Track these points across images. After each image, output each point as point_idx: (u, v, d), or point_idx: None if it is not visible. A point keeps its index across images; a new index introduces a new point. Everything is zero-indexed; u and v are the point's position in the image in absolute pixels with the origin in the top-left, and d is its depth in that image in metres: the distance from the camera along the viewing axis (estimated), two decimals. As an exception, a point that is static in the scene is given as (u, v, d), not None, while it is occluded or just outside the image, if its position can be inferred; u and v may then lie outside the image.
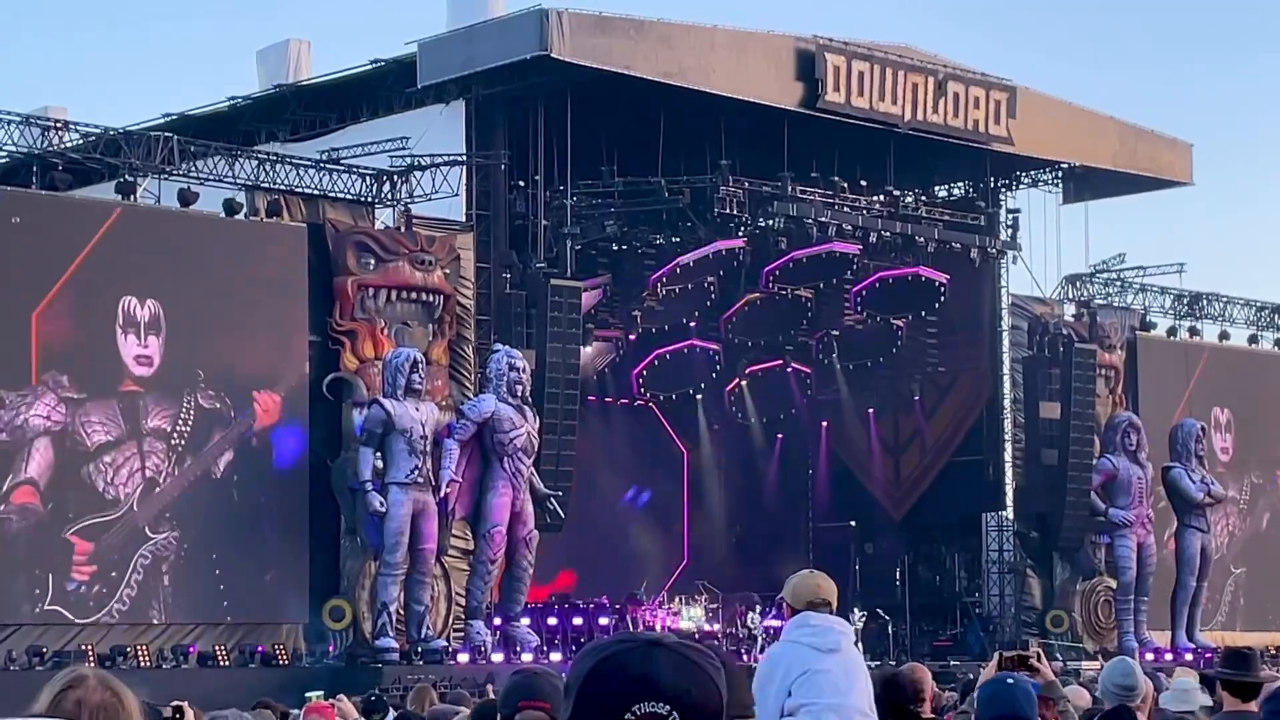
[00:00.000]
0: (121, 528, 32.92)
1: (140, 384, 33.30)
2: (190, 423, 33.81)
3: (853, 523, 47.46)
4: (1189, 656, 40.39)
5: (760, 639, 38.24)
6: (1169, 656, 40.47)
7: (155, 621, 33.02)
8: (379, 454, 34.28)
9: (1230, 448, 48.81)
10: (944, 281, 44.49)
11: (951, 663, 37.67)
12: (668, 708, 2.61)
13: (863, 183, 43.39)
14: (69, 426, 32.42)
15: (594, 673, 2.66)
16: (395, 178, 36.87)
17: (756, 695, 8.34)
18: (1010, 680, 7.21)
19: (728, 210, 41.07)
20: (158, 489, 33.39)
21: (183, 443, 33.72)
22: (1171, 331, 48.64)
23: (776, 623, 39.59)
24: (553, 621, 38.58)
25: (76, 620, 32.15)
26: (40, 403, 32.17)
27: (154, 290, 33.46)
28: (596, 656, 2.69)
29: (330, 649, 34.50)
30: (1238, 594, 48.09)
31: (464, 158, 37.50)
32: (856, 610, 41.90)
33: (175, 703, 8.86)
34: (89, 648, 31.47)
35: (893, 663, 31.60)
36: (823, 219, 41.77)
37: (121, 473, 33.06)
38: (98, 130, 34.86)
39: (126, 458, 33.11)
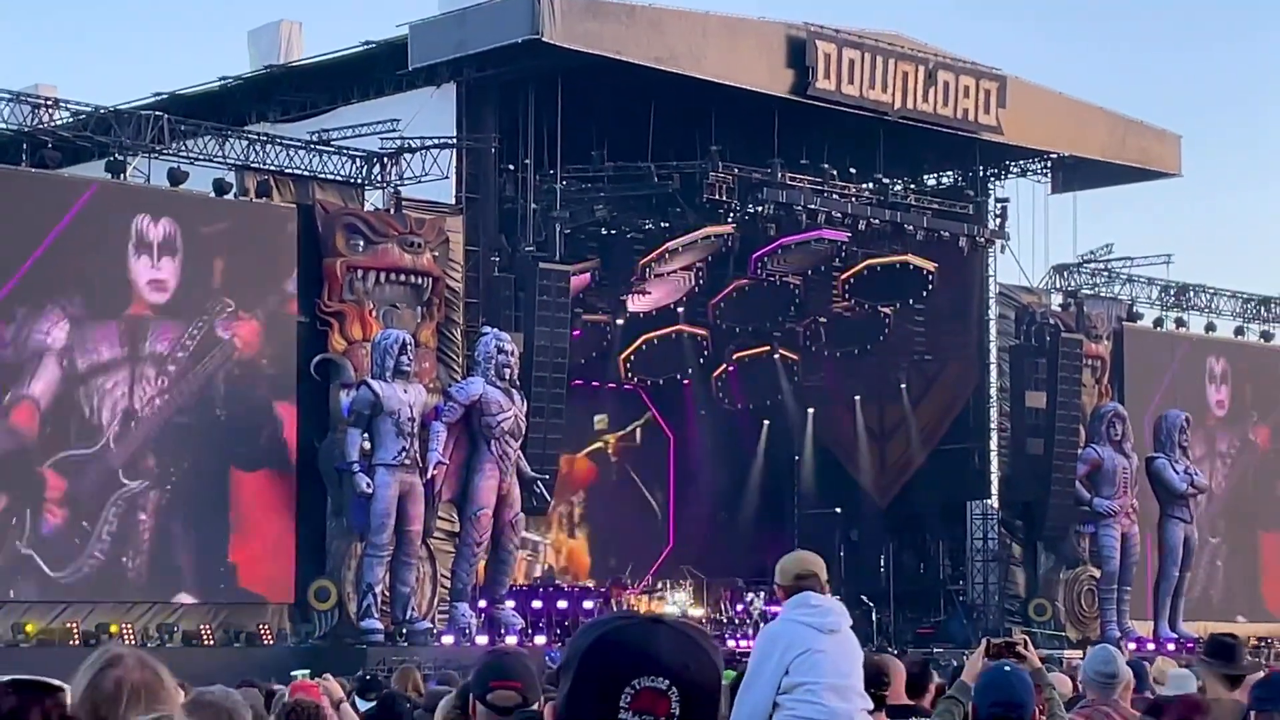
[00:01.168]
0: (97, 467, 32.78)
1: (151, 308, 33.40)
2: (192, 348, 33.79)
3: (838, 509, 47.52)
4: (1171, 646, 40.53)
5: (760, 623, 38.29)
6: (1151, 646, 40.58)
7: (142, 600, 33.00)
8: (366, 435, 34.30)
9: (1226, 400, 48.96)
10: (932, 270, 44.54)
11: (935, 650, 37.74)
12: (666, 682, 2.63)
13: (852, 170, 43.43)
14: (72, 346, 32.44)
15: (594, 647, 2.68)
16: (385, 160, 36.86)
17: (752, 670, 8.41)
18: (1009, 668, 7.27)
19: (717, 196, 41.08)
20: (134, 422, 33.25)
21: (174, 368, 33.60)
22: (1158, 322, 48.72)
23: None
24: (537, 605, 38.64)
25: (50, 573, 31.99)
26: (46, 320, 32.14)
27: (168, 209, 33.61)
28: (597, 632, 2.71)
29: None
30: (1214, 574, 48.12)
31: (454, 141, 37.49)
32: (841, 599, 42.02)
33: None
34: (74, 625, 31.49)
35: (872, 647, 31.68)
36: (812, 206, 41.79)
37: (107, 400, 32.94)
38: (88, 109, 34.81)
39: (116, 382, 33.02)
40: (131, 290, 33.26)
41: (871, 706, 8.50)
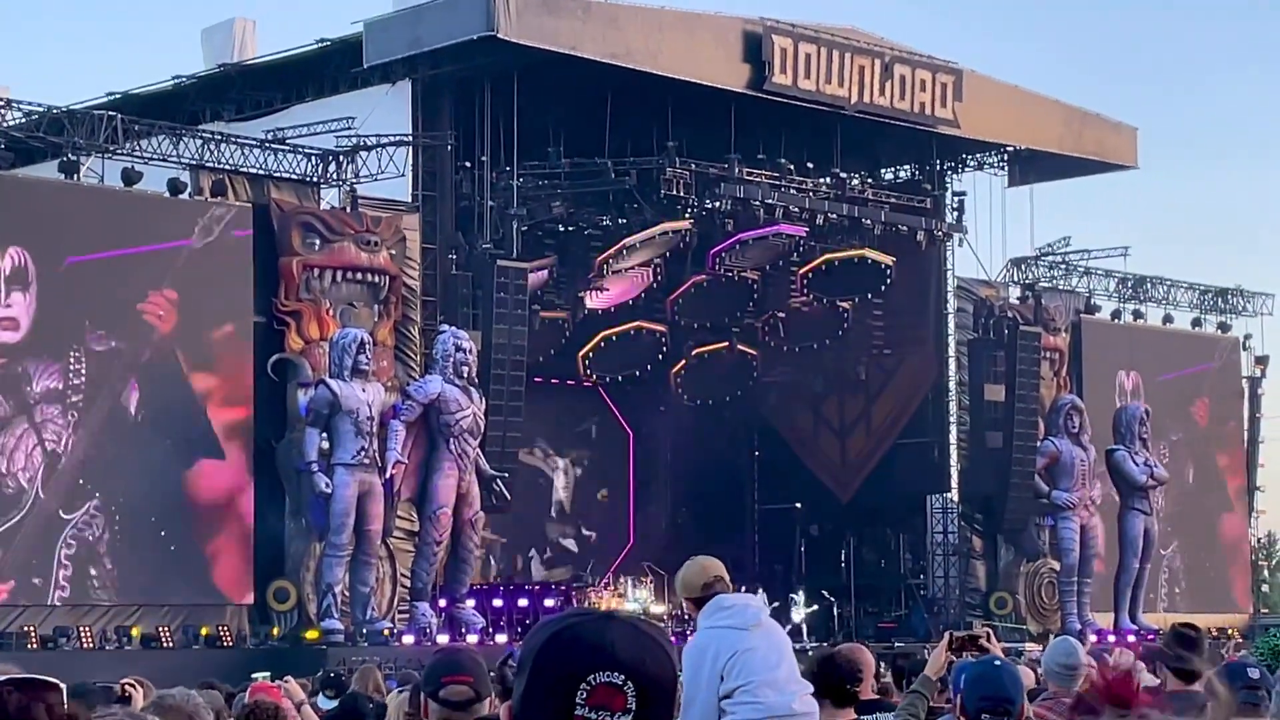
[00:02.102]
0: (32, 521, 32.35)
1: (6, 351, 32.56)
2: (84, 374, 33.16)
3: (798, 504, 47.53)
4: (1131, 638, 40.63)
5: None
6: (1111, 638, 40.68)
7: (101, 603, 32.84)
8: (325, 435, 34.19)
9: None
10: (890, 264, 44.58)
11: (896, 644, 37.79)
12: (622, 677, 2.63)
13: (809, 165, 43.44)
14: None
15: (549, 644, 2.68)
16: (341, 158, 36.76)
17: (687, 689, 8.33)
18: (998, 662, 7.21)
19: (674, 192, 41.07)
20: (60, 462, 32.91)
21: (79, 398, 33.10)
22: (1115, 314, 48.89)
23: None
24: (498, 603, 38.60)
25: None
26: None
27: (16, 239, 32.49)
28: (552, 629, 2.70)
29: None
30: (1175, 577, 48.33)
31: (410, 138, 37.39)
32: (801, 594, 42.05)
33: (126, 680, 8.85)
34: (31, 629, 31.33)
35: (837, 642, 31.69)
36: (769, 201, 41.81)
37: (16, 457, 32.41)
38: (41, 109, 34.63)
39: (18, 436, 32.60)
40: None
41: (812, 689, 8.44)
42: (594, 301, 43.74)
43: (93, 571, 32.88)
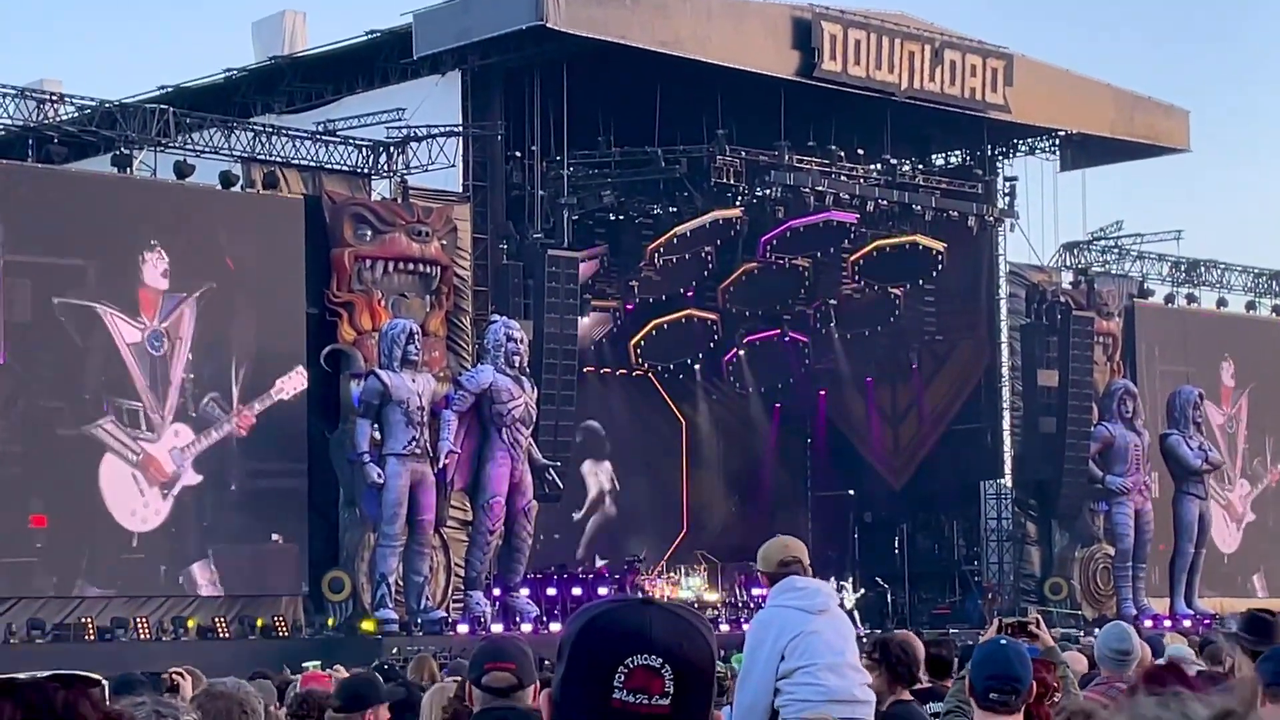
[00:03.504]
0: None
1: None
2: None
3: (851, 491, 47.49)
4: (1187, 623, 40.45)
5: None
6: (1168, 623, 40.51)
7: (157, 595, 33.07)
8: (376, 425, 34.28)
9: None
10: (941, 250, 44.47)
11: (950, 631, 37.71)
12: (660, 660, 2.64)
13: (860, 151, 43.36)
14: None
15: (588, 628, 2.70)
16: (392, 149, 36.84)
17: (748, 658, 8.38)
18: (1004, 642, 7.23)
19: (725, 180, 41.06)
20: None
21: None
22: (1169, 299, 48.66)
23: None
24: (552, 592, 38.61)
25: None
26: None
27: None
28: (590, 614, 2.73)
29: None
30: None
31: (460, 129, 37.44)
32: (849, 581, 42.00)
33: (174, 669, 8.91)
34: (89, 620, 31.53)
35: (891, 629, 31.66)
36: (820, 188, 41.74)
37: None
38: (93, 103, 34.80)
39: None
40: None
41: (869, 680, 8.48)
42: (645, 290, 43.75)
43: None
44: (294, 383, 34.74)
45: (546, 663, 16.64)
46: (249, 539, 34.21)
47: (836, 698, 8.22)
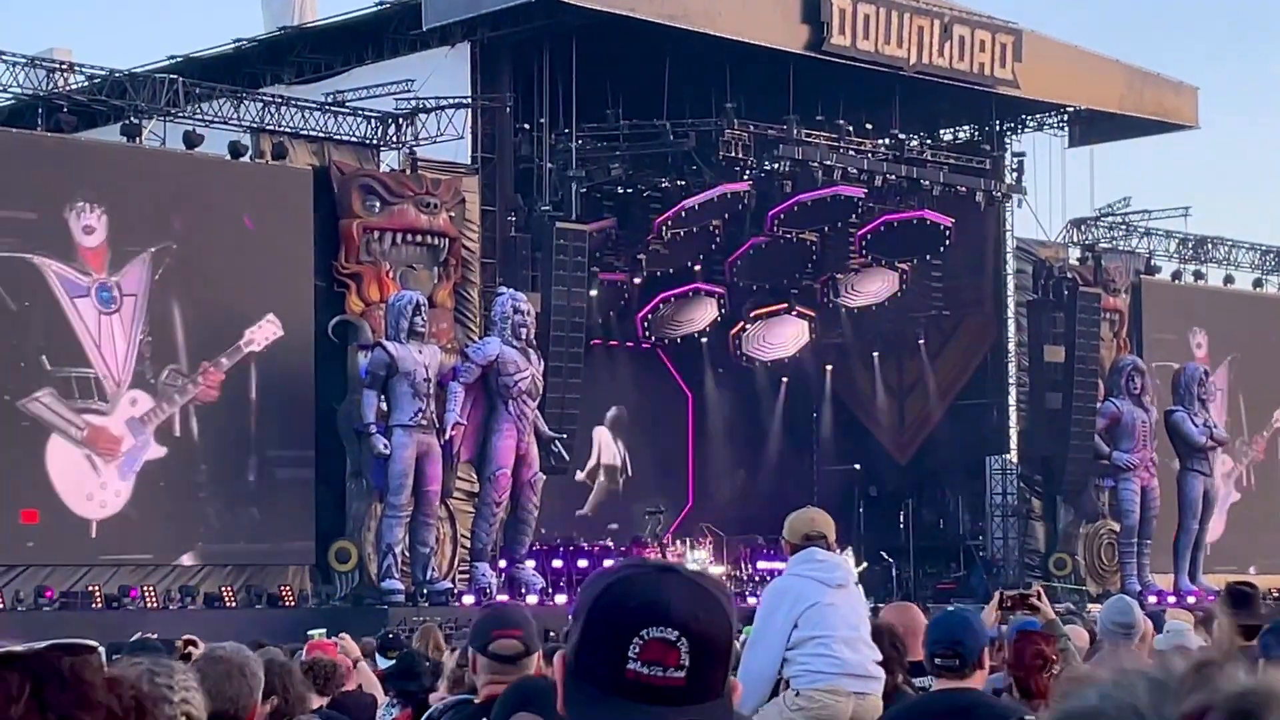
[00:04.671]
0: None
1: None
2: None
3: (857, 466, 47.50)
4: (1191, 599, 40.49)
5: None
6: (1172, 599, 40.56)
7: (165, 563, 33.13)
8: (383, 397, 34.34)
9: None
10: (949, 225, 44.44)
11: (954, 605, 37.81)
12: (676, 633, 2.56)
13: (868, 126, 43.32)
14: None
15: (602, 596, 2.62)
16: (400, 120, 36.84)
17: (760, 624, 8.43)
18: (951, 608, 7.35)
19: (733, 153, 41.02)
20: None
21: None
22: (1176, 275, 48.62)
23: (777, 564, 39.73)
24: (558, 564, 38.66)
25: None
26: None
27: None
28: (605, 580, 2.64)
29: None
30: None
31: (469, 100, 37.44)
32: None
33: (187, 636, 9.00)
34: (96, 588, 31.63)
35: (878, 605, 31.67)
36: (828, 162, 41.71)
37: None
38: (103, 72, 34.83)
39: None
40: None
41: (880, 657, 8.52)
42: (653, 264, 43.77)
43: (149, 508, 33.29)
44: (264, 333, 34.45)
45: (551, 634, 16.73)
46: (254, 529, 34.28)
47: (850, 671, 8.26)
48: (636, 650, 2.55)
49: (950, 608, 7.44)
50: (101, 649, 2.61)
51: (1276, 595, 41.58)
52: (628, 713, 2.56)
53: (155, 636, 9.90)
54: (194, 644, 8.89)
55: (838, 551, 8.88)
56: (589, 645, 2.61)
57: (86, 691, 2.45)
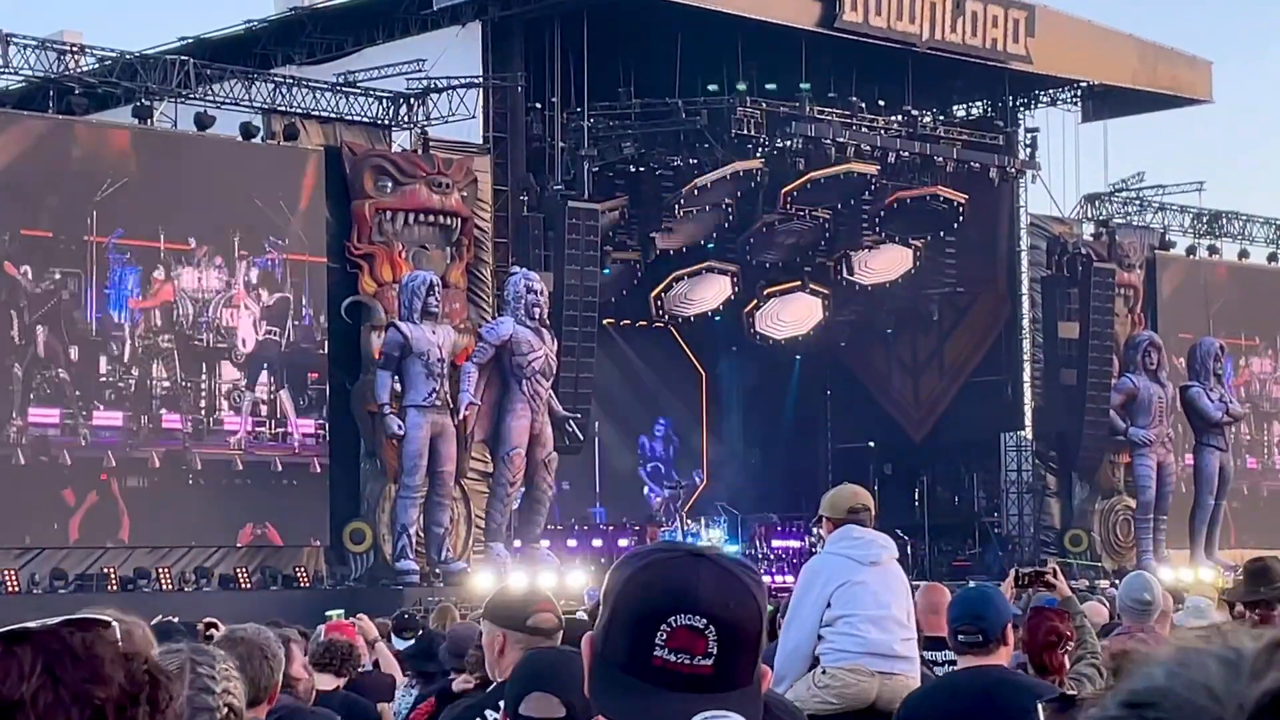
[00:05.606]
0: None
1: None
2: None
3: (871, 443, 47.42)
4: (1209, 575, 40.44)
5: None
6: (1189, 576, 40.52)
7: (181, 544, 33.15)
8: (397, 377, 34.33)
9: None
10: (962, 201, 44.38)
11: (970, 582, 37.80)
12: (705, 621, 2.50)
13: (880, 103, 43.24)
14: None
15: (631, 581, 2.56)
16: (412, 100, 36.79)
17: (794, 604, 8.42)
18: (973, 585, 7.32)
19: (745, 131, 40.96)
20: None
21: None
22: (1190, 250, 48.51)
23: (792, 542, 39.69)
24: (572, 543, 38.69)
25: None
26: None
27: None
28: (636, 564, 2.58)
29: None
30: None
31: (480, 80, 37.38)
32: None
33: (208, 620, 8.98)
34: (111, 570, 31.66)
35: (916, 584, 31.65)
36: (840, 139, 41.65)
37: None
38: (114, 54, 34.79)
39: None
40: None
41: (914, 635, 8.48)
42: (665, 242, 43.75)
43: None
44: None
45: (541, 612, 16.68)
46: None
47: (874, 650, 8.23)
48: (664, 637, 2.50)
49: (972, 584, 7.40)
50: (116, 624, 2.57)
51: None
52: (654, 699, 2.50)
53: (176, 620, 9.88)
54: (215, 627, 8.88)
55: (873, 526, 8.84)
56: (616, 630, 2.56)
57: (99, 666, 2.42)
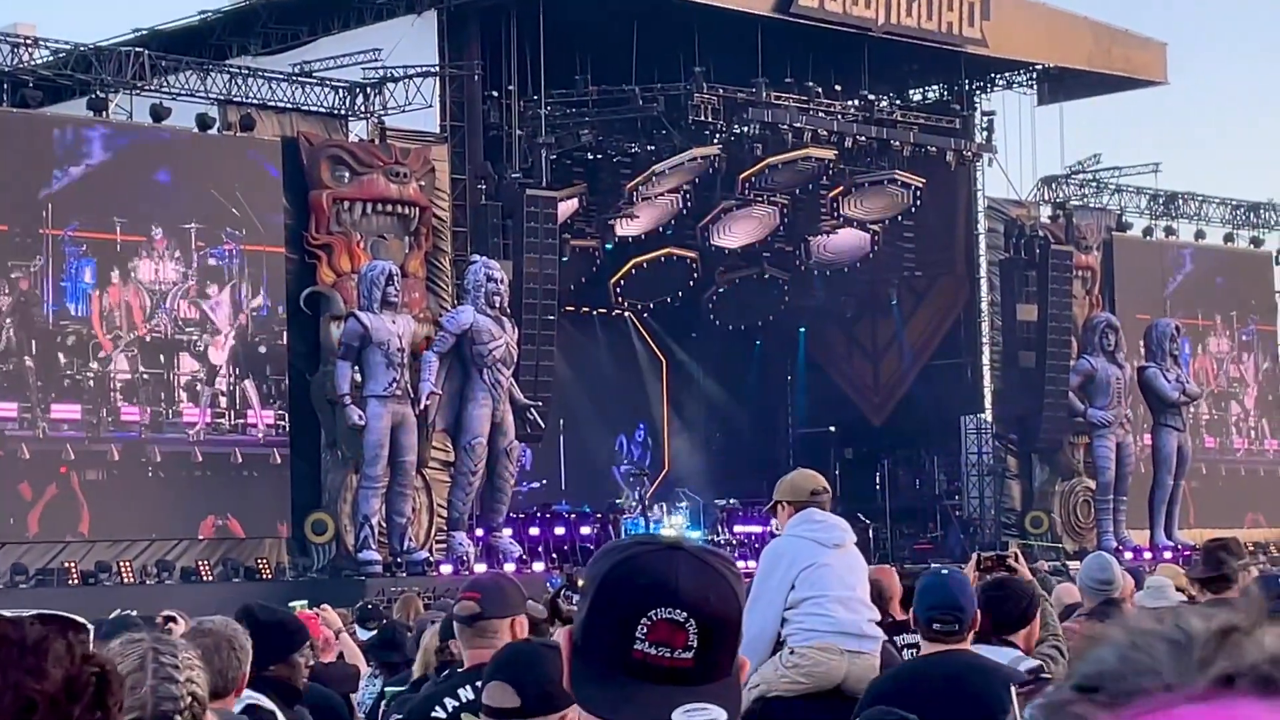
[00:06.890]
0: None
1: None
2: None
3: (832, 428, 47.53)
4: (1168, 555, 40.61)
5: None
6: (1148, 555, 40.71)
7: (142, 538, 33.05)
8: (356, 367, 34.26)
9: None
10: (920, 185, 44.47)
11: (932, 565, 37.88)
12: (685, 614, 2.51)
13: (837, 88, 43.27)
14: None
15: (610, 575, 2.56)
16: (368, 90, 36.70)
17: (757, 585, 8.45)
18: (944, 571, 7.31)
19: (702, 117, 40.95)
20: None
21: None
22: (1148, 231, 48.67)
23: (754, 528, 39.72)
24: (535, 532, 38.67)
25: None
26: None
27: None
28: (615, 558, 2.59)
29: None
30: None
31: (437, 69, 37.30)
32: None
33: (166, 613, 8.95)
34: (72, 565, 31.54)
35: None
36: (798, 125, 41.67)
37: None
38: (68, 46, 34.63)
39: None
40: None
41: (878, 617, 8.55)
42: (624, 229, 43.75)
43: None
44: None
45: (530, 600, 16.71)
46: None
47: (845, 630, 8.28)
48: (644, 631, 2.51)
49: (944, 570, 7.37)
50: (92, 628, 2.57)
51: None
52: (635, 692, 2.51)
53: (135, 613, 9.84)
54: (174, 620, 8.85)
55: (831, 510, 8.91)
56: (596, 624, 2.56)
57: (41, 661, 2.43)
